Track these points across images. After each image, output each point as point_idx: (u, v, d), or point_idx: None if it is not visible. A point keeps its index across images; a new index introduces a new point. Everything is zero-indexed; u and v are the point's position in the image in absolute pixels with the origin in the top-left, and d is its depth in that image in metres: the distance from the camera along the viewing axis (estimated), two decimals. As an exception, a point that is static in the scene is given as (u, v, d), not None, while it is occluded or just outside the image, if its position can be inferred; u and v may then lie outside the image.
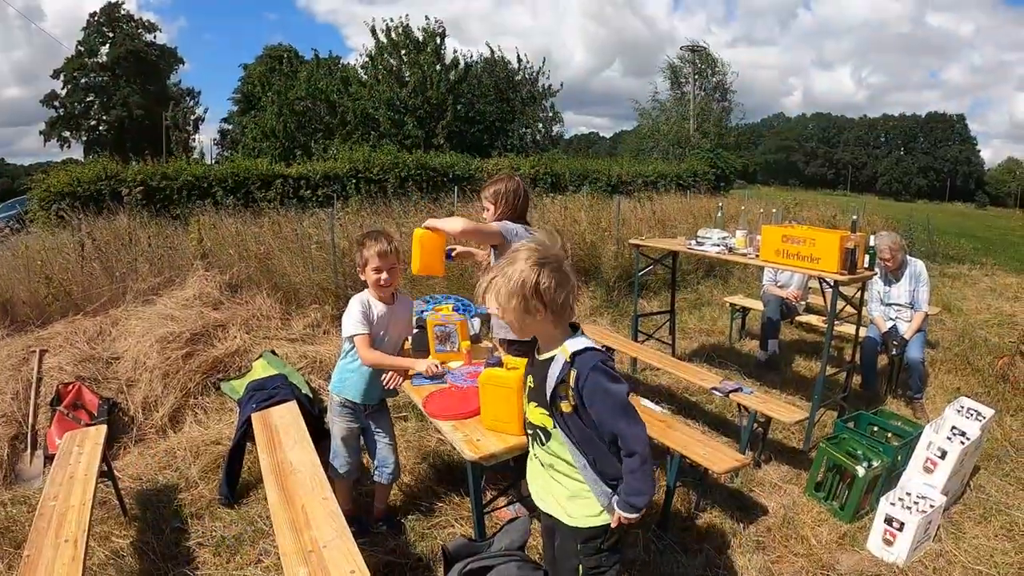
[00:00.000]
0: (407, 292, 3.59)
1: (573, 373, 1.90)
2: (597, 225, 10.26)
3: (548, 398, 1.97)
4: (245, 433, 3.98)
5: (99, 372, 5.39)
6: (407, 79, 24.93)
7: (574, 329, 2.01)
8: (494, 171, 17.63)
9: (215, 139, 48.22)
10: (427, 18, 26.36)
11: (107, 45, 52.65)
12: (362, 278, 3.24)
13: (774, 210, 5.69)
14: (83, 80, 52.05)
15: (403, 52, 25.48)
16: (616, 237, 9.89)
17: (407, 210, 10.73)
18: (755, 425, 4.47)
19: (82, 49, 52.30)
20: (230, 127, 47.49)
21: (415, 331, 3.61)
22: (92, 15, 53.08)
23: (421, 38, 25.43)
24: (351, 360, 3.29)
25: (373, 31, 25.71)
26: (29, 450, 4.74)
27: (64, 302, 6.57)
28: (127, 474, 4.36)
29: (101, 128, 51.99)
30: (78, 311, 6.44)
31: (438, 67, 25.15)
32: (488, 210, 3.67)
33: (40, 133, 51.44)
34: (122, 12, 53.81)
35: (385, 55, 25.73)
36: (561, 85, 29.32)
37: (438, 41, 25.57)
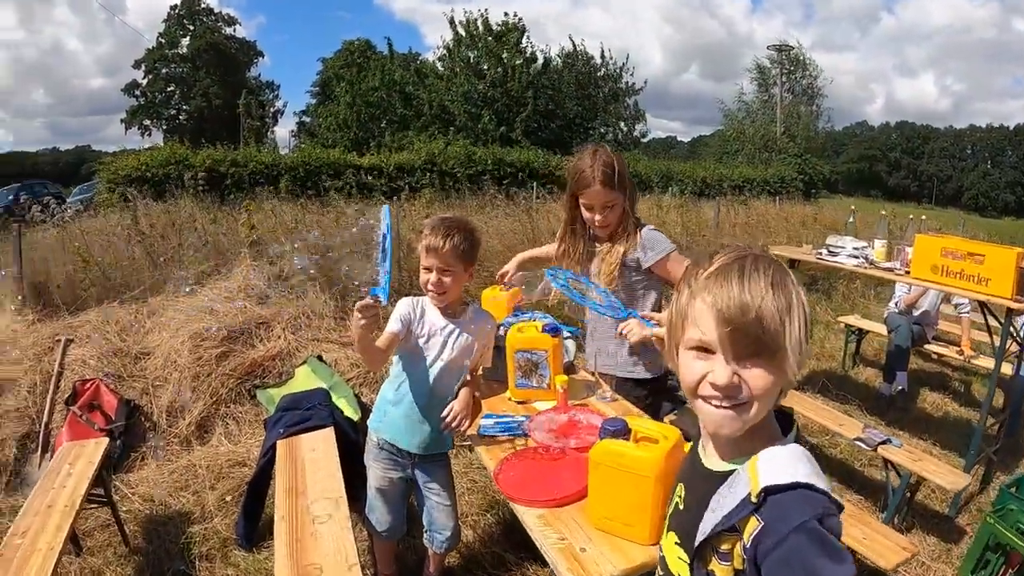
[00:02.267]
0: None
1: (755, 523, 0.95)
2: (687, 229, 9.30)
3: (696, 544, 1.05)
4: (270, 461, 3.22)
5: (125, 368, 4.75)
6: (485, 72, 24.29)
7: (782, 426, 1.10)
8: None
9: (292, 131, 48.91)
10: (506, 14, 25.61)
11: (187, 37, 53.92)
12: None
13: (911, 217, 4.72)
14: (164, 70, 53.51)
15: (481, 45, 24.83)
16: (714, 243, 8.91)
17: (482, 205, 9.95)
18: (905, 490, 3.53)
19: (163, 40, 53.69)
20: (308, 120, 48.16)
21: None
22: (172, 8, 54.42)
23: (500, 31, 24.76)
24: (396, 387, 2.43)
25: (451, 22, 25.18)
26: (39, 452, 4.21)
27: (103, 288, 6.02)
28: (138, 493, 3.75)
29: (181, 117, 53.55)
30: (115, 298, 5.85)
31: (518, 61, 24.42)
32: (611, 206, 2.61)
33: (121, 121, 52.96)
34: (202, 5, 55.28)
35: (463, 47, 25.13)
36: (645, 83, 28.27)
37: (518, 35, 24.88)
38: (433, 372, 2.36)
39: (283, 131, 56.66)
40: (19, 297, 5.99)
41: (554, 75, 25.90)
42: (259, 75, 58.88)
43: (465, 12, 25.38)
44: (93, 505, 3.28)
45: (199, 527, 3.39)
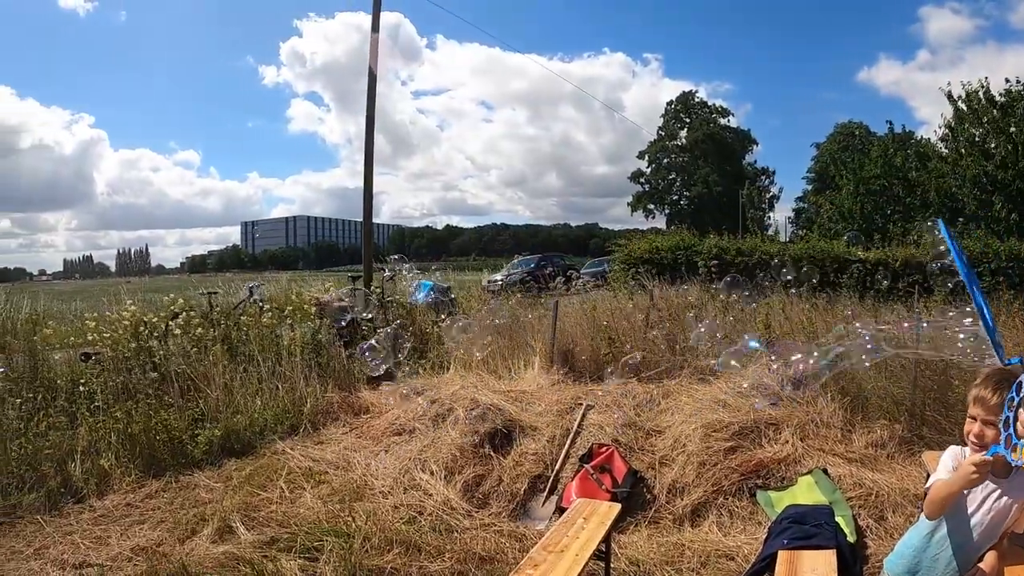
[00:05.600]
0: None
1: None
2: None
3: None
4: (766, 567, 3.32)
5: (636, 441, 5.34)
6: (993, 151, 21.09)
7: None
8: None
9: (789, 217, 49.00)
10: (1007, 80, 21.73)
11: (684, 129, 60.11)
12: None
13: None
14: (665, 160, 60.37)
15: (986, 119, 21.57)
16: None
17: (1011, 316, 8.35)
18: None
19: (663, 133, 60.87)
20: (804, 206, 47.92)
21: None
22: (669, 103, 61.95)
23: (1004, 102, 21.23)
24: (923, 534, 2.34)
25: (949, 97, 22.35)
26: (546, 493, 4.95)
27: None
28: (626, 555, 4.11)
29: (682, 203, 58.66)
30: (633, 375, 6.55)
31: (1029, 134, 20.53)
32: None
33: (628, 204, 61.04)
34: (696, 99, 61.36)
35: (966, 124, 22.14)
36: None
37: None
38: (966, 529, 2.24)
39: (779, 216, 57.45)
40: (549, 359, 7.13)
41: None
42: (755, 161, 61.97)
43: (964, 84, 22.16)
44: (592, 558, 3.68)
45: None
